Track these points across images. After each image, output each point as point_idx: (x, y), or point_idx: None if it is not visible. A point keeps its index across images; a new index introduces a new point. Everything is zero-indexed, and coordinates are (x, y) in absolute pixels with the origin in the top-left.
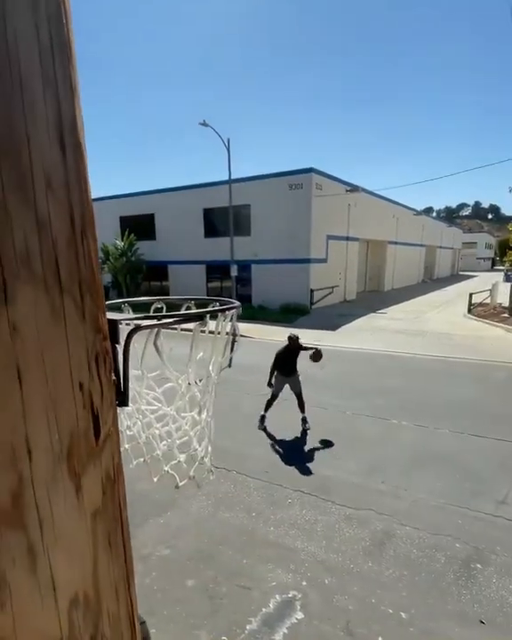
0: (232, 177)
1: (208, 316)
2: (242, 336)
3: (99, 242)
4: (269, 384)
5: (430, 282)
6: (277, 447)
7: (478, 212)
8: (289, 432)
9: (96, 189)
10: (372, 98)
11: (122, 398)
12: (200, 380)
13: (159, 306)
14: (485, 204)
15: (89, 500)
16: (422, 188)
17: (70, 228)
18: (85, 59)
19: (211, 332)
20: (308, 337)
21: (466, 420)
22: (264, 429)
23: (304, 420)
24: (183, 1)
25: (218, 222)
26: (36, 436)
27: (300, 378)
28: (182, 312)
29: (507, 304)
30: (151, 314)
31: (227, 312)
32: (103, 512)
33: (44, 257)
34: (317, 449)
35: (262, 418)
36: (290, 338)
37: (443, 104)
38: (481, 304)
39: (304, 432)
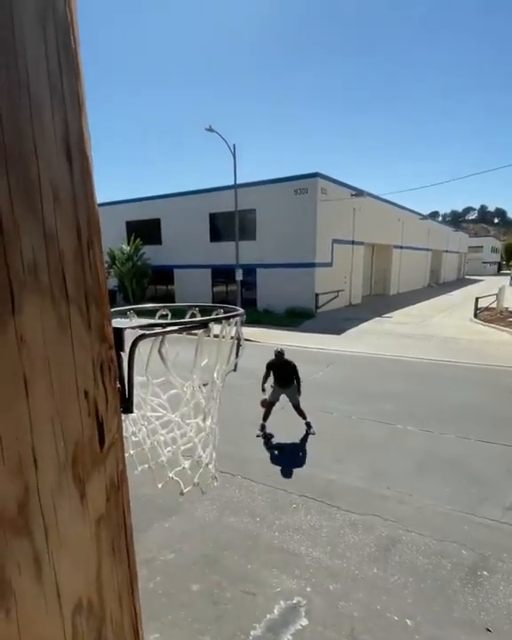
0: (238, 182)
1: (212, 323)
2: (247, 340)
3: (105, 247)
4: (263, 390)
5: (436, 286)
6: (282, 452)
7: (484, 216)
8: (293, 437)
9: (101, 194)
10: (376, 101)
11: (126, 405)
12: (204, 385)
13: (164, 313)
14: (491, 208)
15: (93, 506)
16: (428, 192)
17: (77, 240)
18: (88, 61)
19: (216, 336)
20: (313, 341)
21: (472, 425)
22: (264, 437)
23: (308, 425)
24: (187, 5)
25: (223, 227)
26: (42, 444)
27: (305, 383)
28: (186, 320)
29: None
30: (155, 321)
31: (231, 319)
32: (107, 518)
33: (51, 268)
34: (322, 454)
35: (262, 427)
36: (276, 353)
37: (448, 107)
38: (487, 308)
39: (308, 436)
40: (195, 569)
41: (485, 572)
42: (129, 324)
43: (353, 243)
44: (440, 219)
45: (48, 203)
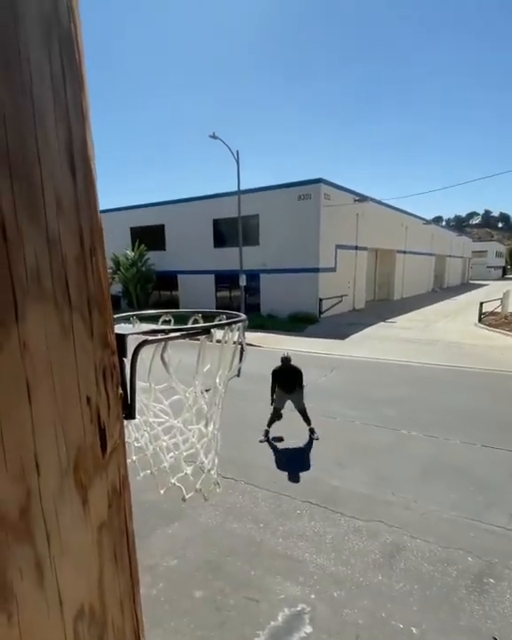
0: (241, 188)
1: (215, 329)
2: (250, 345)
3: (109, 252)
4: (272, 402)
5: (440, 291)
6: (285, 457)
7: (488, 221)
8: (297, 442)
9: (105, 200)
10: (379, 106)
11: (129, 411)
12: (207, 390)
13: (167, 319)
14: (495, 213)
15: (95, 512)
16: (431, 197)
17: (79, 247)
18: (91, 67)
19: (218, 341)
20: (316, 346)
21: (477, 431)
22: (267, 442)
23: (312, 431)
24: (189, 11)
25: (227, 232)
26: (44, 449)
27: (308, 388)
28: (189, 326)
29: None
30: (158, 328)
31: (233, 325)
32: (109, 524)
33: (54, 275)
34: (326, 459)
35: (266, 432)
36: (282, 359)
37: (451, 111)
38: (492, 313)
39: (312, 442)
40: (198, 575)
41: (492, 580)
42: (132, 329)
43: (356, 248)
44: (444, 223)
45: (51, 210)
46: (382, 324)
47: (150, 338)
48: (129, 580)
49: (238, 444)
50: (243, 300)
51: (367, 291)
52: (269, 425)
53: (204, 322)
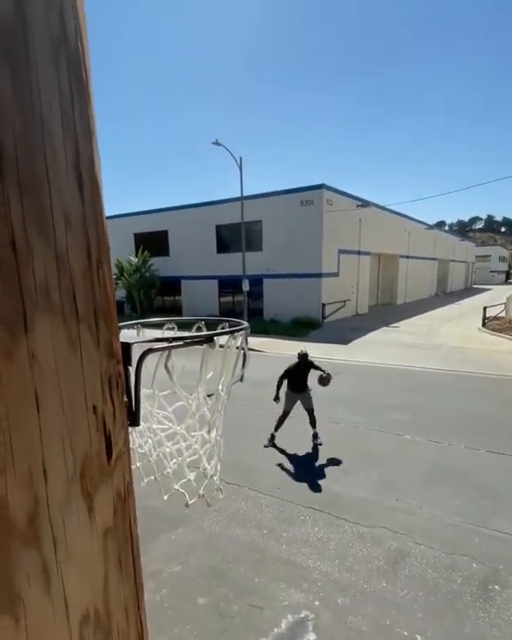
0: (244, 194)
1: (217, 337)
2: (254, 350)
3: (113, 258)
4: (276, 398)
5: (443, 295)
6: (289, 463)
7: (491, 226)
8: (300, 447)
9: (109, 206)
10: (381, 112)
11: (133, 419)
12: (210, 396)
13: (171, 326)
14: (498, 218)
15: (101, 519)
16: (434, 202)
17: (87, 260)
18: (97, 74)
19: (221, 346)
20: (319, 351)
21: (481, 436)
22: (274, 446)
23: (315, 436)
24: (193, 17)
25: (230, 238)
26: (52, 458)
27: (311, 393)
28: (192, 334)
29: None
30: (162, 336)
31: (236, 333)
32: (114, 530)
33: (62, 288)
34: (329, 465)
35: (272, 437)
36: (300, 355)
37: (453, 115)
38: (495, 317)
39: (315, 447)
40: (201, 581)
41: (497, 586)
42: (136, 338)
43: (359, 253)
44: (447, 228)
45: (60, 225)
46: (385, 328)
47: (155, 346)
48: (133, 586)
49: (241, 448)
50: (246, 305)
51: (370, 295)
52: (276, 429)
53: (207, 329)
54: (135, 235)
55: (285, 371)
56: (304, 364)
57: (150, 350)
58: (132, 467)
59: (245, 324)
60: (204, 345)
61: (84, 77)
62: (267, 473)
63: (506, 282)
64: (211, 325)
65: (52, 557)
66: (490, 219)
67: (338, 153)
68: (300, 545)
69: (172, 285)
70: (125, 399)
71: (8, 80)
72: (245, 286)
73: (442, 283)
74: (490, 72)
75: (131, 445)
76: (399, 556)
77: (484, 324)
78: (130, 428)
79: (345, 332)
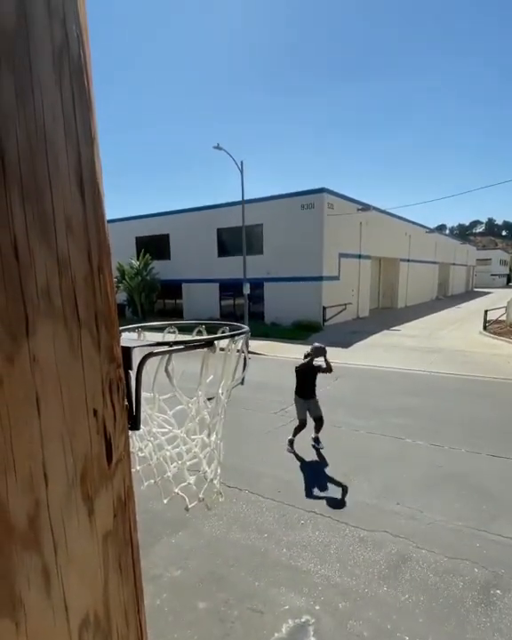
0: (245, 197)
1: (217, 341)
2: (254, 353)
3: (115, 262)
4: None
5: (444, 299)
6: (290, 467)
7: (492, 229)
8: (301, 451)
9: (111, 211)
10: (382, 116)
11: (134, 422)
12: (210, 399)
13: (172, 330)
14: (499, 221)
15: (101, 522)
16: (435, 205)
17: (88, 265)
18: (97, 73)
19: (222, 349)
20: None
21: (483, 440)
22: (294, 453)
23: (316, 440)
24: (191, 18)
25: (231, 241)
26: (53, 461)
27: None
28: (192, 338)
29: None
30: (162, 341)
31: (236, 337)
32: (114, 534)
33: (63, 293)
34: (330, 468)
35: (291, 442)
36: (305, 355)
37: (454, 120)
38: (496, 321)
39: (317, 451)
40: (201, 586)
41: (499, 591)
42: (137, 342)
43: (360, 256)
44: (447, 232)
45: (61, 231)
46: (386, 332)
47: (155, 350)
48: (133, 590)
49: (242, 452)
50: (246, 309)
51: (371, 299)
52: (294, 434)
53: (208, 333)
54: (137, 238)
55: (295, 371)
56: (309, 367)
57: (151, 354)
58: (133, 470)
59: (246, 328)
60: (205, 349)
61: (86, 84)
62: (267, 476)
63: (507, 285)
64: (211, 329)
65: (52, 561)
66: (490, 222)
67: (339, 157)
68: (300, 549)
69: (173, 289)
70: (126, 403)
71: (11, 87)
72: (246, 289)
73: (443, 286)
74: (489, 74)
75: (131, 449)
76: (400, 560)
77: (485, 328)
78: (130, 432)
79: (346, 336)
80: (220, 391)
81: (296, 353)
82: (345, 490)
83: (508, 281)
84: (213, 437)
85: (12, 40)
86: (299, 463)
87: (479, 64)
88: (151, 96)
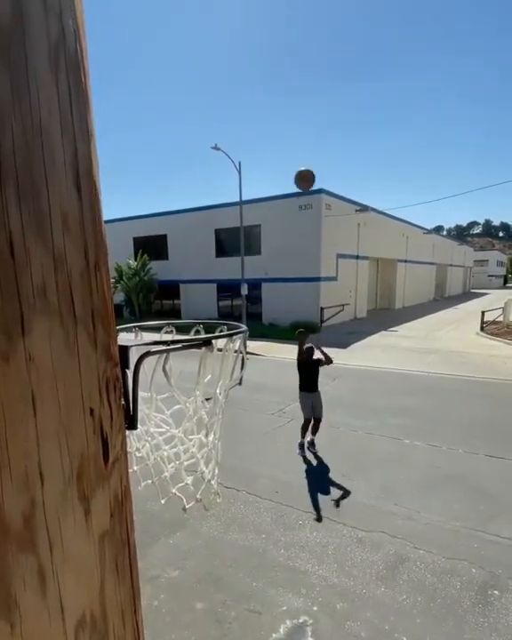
0: (243, 198)
1: (215, 340)
2: (252, 354)
3: (112, 262)
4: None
5: (442, 300)
6: (287, 467)
7: (489, 230)
8: (299, 452)
9: (109, 210)
10: (380, 116)
11: (131, 422)
12: (208, 399)
13: (169, 329)
14: (496, 222)
15: (97, 522)
16: (432, 206)
17: (84, 263)
18: (96, 70)
19: (219, 350)
20: (318, 354)
21: (480, 440)
22: (304, 457)
23: (312, 443)
24: (196, 27)
25: (229, 242)
26: (48, 460)
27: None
28: (190, 337)
29: None
30: (160, 339)
31: (234, 336)
32: (111, 534)
33: (59, 290)
34: (328, 469)
35: (301, 445)
36: (306, 349)
37: (454, 121)
38: (493, 322)
39: (314, 452)
40: (199, 587)
41: (496, 591)
42: (134, 341)
43: (357, 257)
44: (445, 233)
45: (57, 228)
46: (384, 332)
47: (153, 349)
48: (130, 590)
49: (240, 452)
50: (244, 309)
51: (368, 300)
52: (303, 435)
53: (206, 333)
54: (134, 239)
55: (297, 360)
56: (310, 360)
57: (148, 353)
58: (130, 470)
59: (243, 327)
60: (202, 348)
61: (83, 79)
62: (265, 477)
63: (504, 286)
64: (209, 328)
65: (48, 561)
66: (488, 223)
67: (336, 158)
68: (298, 549)
69: (170, 289)
70: (123, 402)
71: (6, 83)
72: (244, 290)
73: (440, 287)
74: (488, 75)
75: (128, 449)
76: (398, 560)
77: (482, 329)
78: (127, 432)
79: (343, 336)
80: (217, 391)
81: (294, 354)
82: (343, 490)
83: (505, 282)
84: (211, 437)
85: (8, 34)
86: (296, 464)
87: (479, 64)
88: (151, 96)
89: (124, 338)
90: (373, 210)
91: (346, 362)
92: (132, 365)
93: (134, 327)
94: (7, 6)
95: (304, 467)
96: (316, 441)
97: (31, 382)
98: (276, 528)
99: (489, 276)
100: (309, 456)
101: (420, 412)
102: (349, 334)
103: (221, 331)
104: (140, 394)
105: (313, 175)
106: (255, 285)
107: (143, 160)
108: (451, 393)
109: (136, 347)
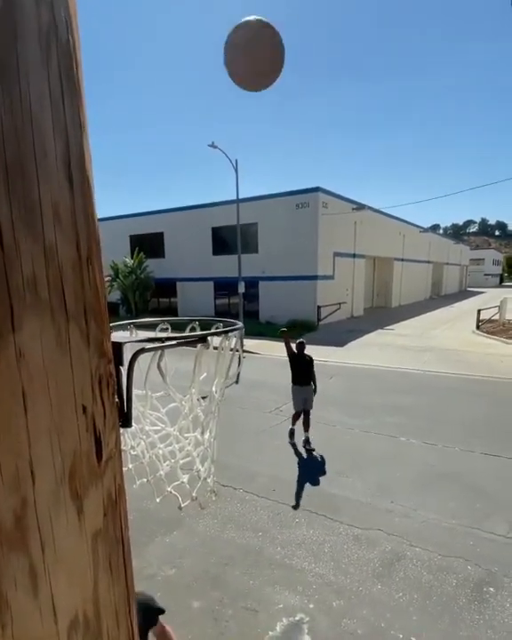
0: (239, 195)
1: (211, 337)
2: (249, 352)
3: (109, 260)
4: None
5: (438, 298)
6: (284, 465)
7: (485, 229)
8: (295, 450)
9: (107, 209)
10: (378, 117)
11: (125, 420)
12: (204, 398)
13: (164, 326)
14: (492, 221)
15: (90, 521)
16: (429, 205)
17: (76, 256)
18: (94, 77)
19: (215, 348)
20: (315, 353)
21: (476, 439)
22: (293, 445)
23: (307, 441)
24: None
25: (226, 240)
26: (40, 458)
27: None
28: (185, 334)
29: None
30: (155, 336)
31: (230, 333)
32: (104, 533)
33: (50, 284)
34: (325, 467)
35: (291, 432)
36: (298, 344)
37: (450, 121)
38: (489, 320)
39: (309, 450)
40: (196, 585)
41: (492, 589)
42: (129, 338)
43: (354, 256)
44: (441, 232)
45: (48, 221)
46: (381, 331)
47: (147, 346)
48: (124, 590)
49: (236, 451)
50: (241, 307)
51: (365, 298)
52: (293, 423)
53: (201, 330)
54: (131, 236)
55: (289, 354)
56: (302, 355)
57: (143, 350)
58: (125, 469)
59: (239, 324)
60: (198, 345)
61: (75, 69)
62: (262, 475)
63: (500, 285)
64: (205, 326)
65: (39, 561)
66: (484, 222)
67: (337, 158)
68: (295, 548)
69: (167, 287)
70: (117, 400)
71: None
72: (241, 288)
73: (436, 286)
74: (486, 76)
75: (123, 447)
76: (394, 558)
77: (478, 327)
78: (122, 430)
79: (340, 335)
80: (213, 389)
81: None
82: (339, 488)
83: (501, 281)
84: (207, 435)
85: None
86: (293, 462)
87: (479, 64)
88: (151, 96)
89: (119, 335)
90: (370, 208)
91: (343, 360)
92: (126, 362)
93: (129, 324)
94: None
95: (301, 465)
96: (310, 438)
97: (22, 379)
98: (273, 526)
99: (485, 274)
100: (307, 454)
101: (416, 411)
102: (346, 333)
103: (217, 328)
104: (135, 391)
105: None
106: (252, 284)
107: (143, 160)
108: (447, 391)
109: (130, 343)
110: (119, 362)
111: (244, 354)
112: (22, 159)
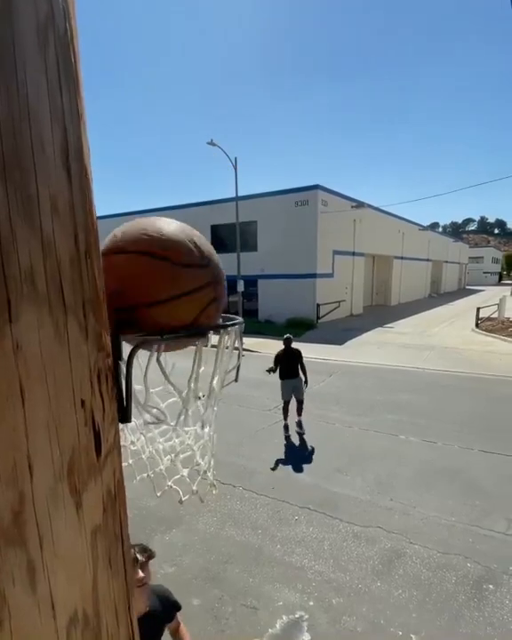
0: (239, 194)
1: (211, 332)
2: (248, 350)
3: None
4: (269, 370)
5: (437, 296)
6: (283, 463)
7: (484, 227)
8: (295, 448)
9: (106, 207)
10: (377, 115)
11: (124, 414)
12: (203, 395)
13: None
14: (491, 219)
15: (89, 516)
16: (428, 203)
17: (75, 249)
18: (91, 68)
19: (213, 346)
20: (315, 351)
21: (474, 436)
22: (288, 438)
23: (299, 424)
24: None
25: (225, 238)
26: (38, 453)
27: (306, 393)
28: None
29: None
30: (155, 330)
31: (230, 328)
32: (103, 529)
33: (48, 277)
34: (324, 465)
35: (286, 426)
36: (285, 340)
37: (449, 119)
38: (488, 318)
39: (310, 447)
40: (195, 583)
41: (491, 586)
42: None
43: (353, 254)
44: (440, 230)
45: (46, 212)
46: (380, 329)
47: (147, 339)
48: (123, 586)
49: (236, 449)
50: (240, 306)
51: (364, 296)
52: (285, 417)
53: None
54: None
55: (276, 356)
56: (290, 350)
57: (142, 343)
58: (124, 464)
59: (239, 318)
60: (198, 340)
61: (73, 60)
62: (261, 473)
63: (499, 283)
64: None
65: (38, 556)
66: (483, 220)
67: (333, 156)
68: (294, 545)
69: None
70: (116, 394)
71: None
72: (240, 287)
73: (435, 284)
74: (484, 75)
75: (122, 442)
76: (394, 555)
77: (477, 325)
78: (121, 425)
79: (339, 333)
80: (213, 384)
81: None
82: (339, 486)
83: (500, 279)
84: (207, 429)
85: None
86: (292, 459)
87: (479, 64)
88: (152, 96)
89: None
90: (369, 206)
91: (342, 358)
92: (125, 357)
93: None
94: None
95: (300, 462)
96: (302, 421)
97: (19, 372)
98: (272, 524)
99: (484, 272)
100: (306, 451)
101: (415, 408)
102: (345, 331)
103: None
104: (135, 386)
105: None
106: (251, 282)
107: (144, 159)
108: (446, 389)
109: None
110: (118, 356)
111: (244, 352)
112: (19, 150)
